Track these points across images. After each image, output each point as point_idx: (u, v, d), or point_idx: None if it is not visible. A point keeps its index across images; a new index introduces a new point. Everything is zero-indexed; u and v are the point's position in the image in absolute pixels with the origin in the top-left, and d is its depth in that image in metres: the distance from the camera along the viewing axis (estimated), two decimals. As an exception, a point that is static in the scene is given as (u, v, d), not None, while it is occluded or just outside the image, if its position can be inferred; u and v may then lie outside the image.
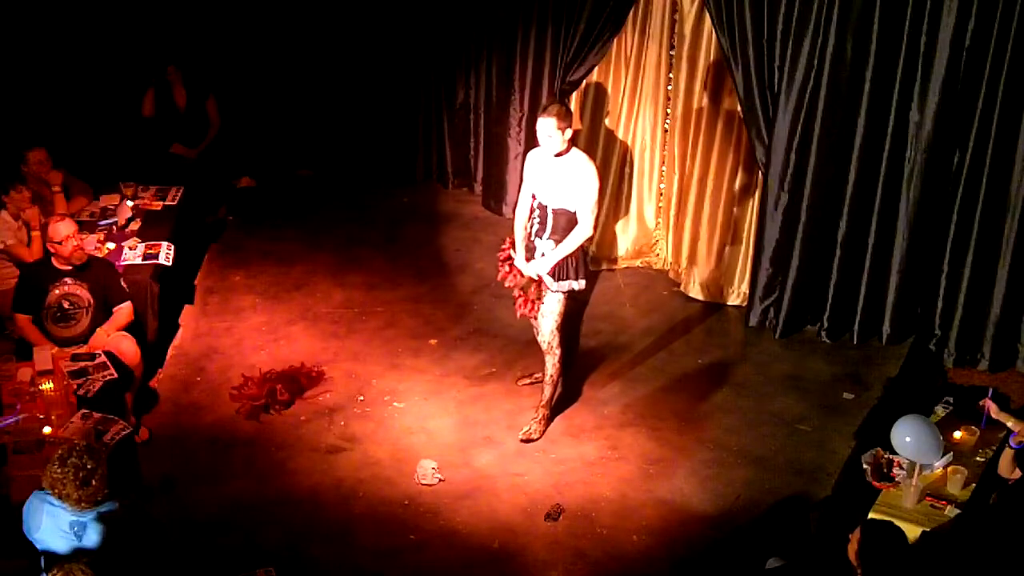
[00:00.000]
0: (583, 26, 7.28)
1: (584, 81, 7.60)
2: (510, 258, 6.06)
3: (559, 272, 5.86)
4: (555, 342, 6.03)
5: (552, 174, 5.83)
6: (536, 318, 6.02)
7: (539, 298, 5.93)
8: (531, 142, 8.02)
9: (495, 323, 7.19)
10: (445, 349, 6.99)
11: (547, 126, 5.71)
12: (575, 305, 7.34)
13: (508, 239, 6.14)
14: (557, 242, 5.84)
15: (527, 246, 5.99)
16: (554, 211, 5.84)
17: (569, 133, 5.76)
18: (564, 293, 5.92)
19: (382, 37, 8.56)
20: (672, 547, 5.53)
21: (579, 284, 5.93)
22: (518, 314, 6.10)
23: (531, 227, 5.97)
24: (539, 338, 6.07)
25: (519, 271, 5.96)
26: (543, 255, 5.89)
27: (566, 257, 5.84)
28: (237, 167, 8.65)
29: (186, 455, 6.10)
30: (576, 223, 5.81)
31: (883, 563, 4.18)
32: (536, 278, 5.88)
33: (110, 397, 5.76)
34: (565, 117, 5.73)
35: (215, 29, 8.54)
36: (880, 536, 4.23)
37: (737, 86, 6.73)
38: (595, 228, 6.10)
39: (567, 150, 5.80)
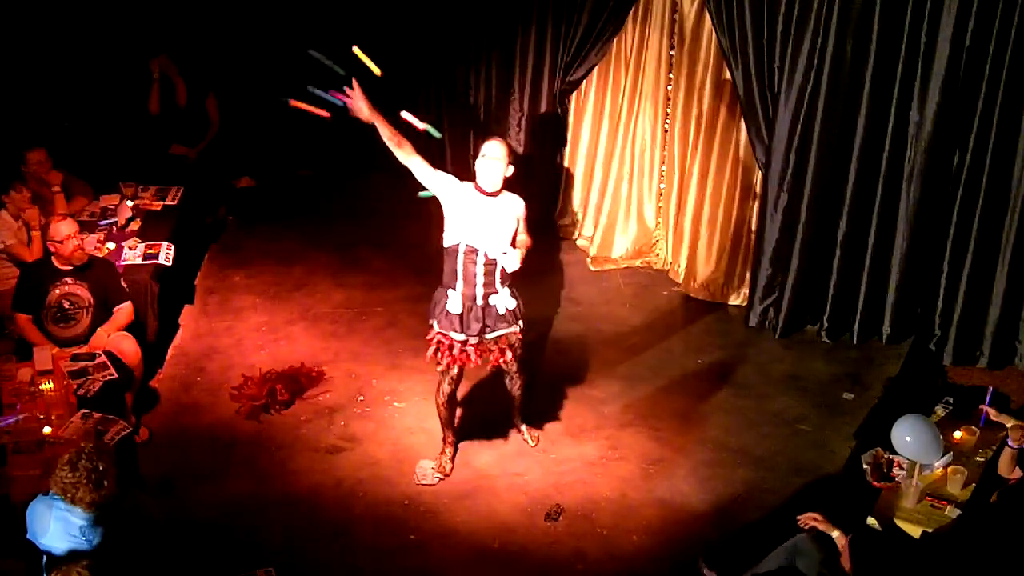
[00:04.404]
0: (583, 26, 7.28)
1: (584, 81, 7.59)
2: (453, 344, 5.57)
3: (511, 317, 5.57)
4: (521, 369, 5.84)
5: (492, 219, 5.38)
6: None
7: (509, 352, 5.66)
8: (531, 143, 8.08)
9: (495, 323, 7.19)
10: (445, 349, 6.98)
11: (496, 150, 5.30)
12: (575, 307, 7.38)
13: (434, 324, 5.62)
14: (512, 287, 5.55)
15: (473, 305, 5.52)
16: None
17: (511, 171, 5.36)
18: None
19: (382, 37, 8.54)
20: (672, 547, 5.53)
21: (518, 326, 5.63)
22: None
23: (476, 284, 5.49)
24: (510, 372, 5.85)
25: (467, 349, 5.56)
26: (503, 310, 5.52)
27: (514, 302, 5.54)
28: (237, 167, 8.65)
29: (186, 455, 6.10)
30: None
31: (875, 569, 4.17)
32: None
33: (110, 397, 5.77)
34: (511, 154, 5.38)
35: (215, 28, 8.53)
36: (870, 545, 4.19)
37: (737, 86, 6.74)
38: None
39: (499, 192, 5.40)
